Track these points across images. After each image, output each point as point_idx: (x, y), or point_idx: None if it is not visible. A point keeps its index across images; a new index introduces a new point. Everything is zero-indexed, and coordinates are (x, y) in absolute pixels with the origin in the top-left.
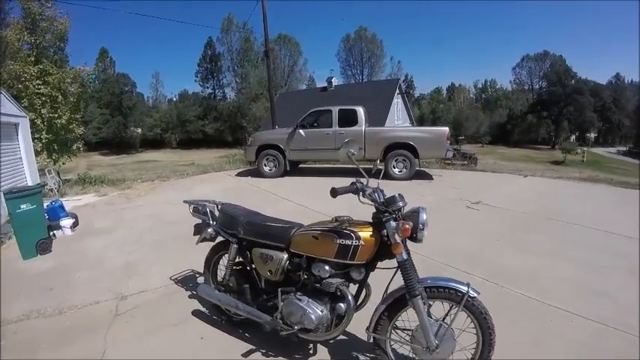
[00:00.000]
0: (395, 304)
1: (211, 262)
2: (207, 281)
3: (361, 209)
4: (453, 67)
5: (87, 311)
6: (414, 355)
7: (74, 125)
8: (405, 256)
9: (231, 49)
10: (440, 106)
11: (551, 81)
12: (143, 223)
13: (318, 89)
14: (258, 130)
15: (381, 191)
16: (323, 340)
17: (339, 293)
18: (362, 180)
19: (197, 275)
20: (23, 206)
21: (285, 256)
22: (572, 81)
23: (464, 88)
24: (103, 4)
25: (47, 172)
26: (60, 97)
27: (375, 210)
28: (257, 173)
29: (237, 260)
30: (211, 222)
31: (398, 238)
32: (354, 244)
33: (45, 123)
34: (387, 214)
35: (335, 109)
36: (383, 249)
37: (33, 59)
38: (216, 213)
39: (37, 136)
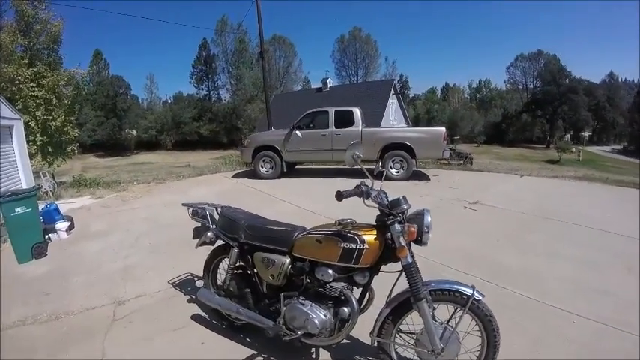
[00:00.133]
0: (399, 307)
1: (211, 265)
2: (206, 285)
3: (359, 211)
4: (447, 67)
5: (84, 316)
6: (418, 359)
7: (69, 128)
8: (409, 260)
9: (226, 51)
10: (435, 107)
11: (545, 80)
12: (140, 226)
13: (314, 90)
14: (253, 131)
15: (385, 193)
16: (326, 345)
17: (342, 297)
18: (367, 182)
19: (195, 279)
20: (18, 209)
21: (288, 260)
22: (567, 80)
23: (458, 88)
24: (94, 5)
25: (42, 175)
26: (54, 99)
27: (379, 213)
28: (253, 175)
29: (238, 264)
30: (211, 225)
31: (403, 241)
32: (358, 247)
33: (39, 125)
34: (391, 217)
35: (331, 110)
36: (387, 252)
37: (27, 62)
38: (216, 216)
39: (31, 138)
